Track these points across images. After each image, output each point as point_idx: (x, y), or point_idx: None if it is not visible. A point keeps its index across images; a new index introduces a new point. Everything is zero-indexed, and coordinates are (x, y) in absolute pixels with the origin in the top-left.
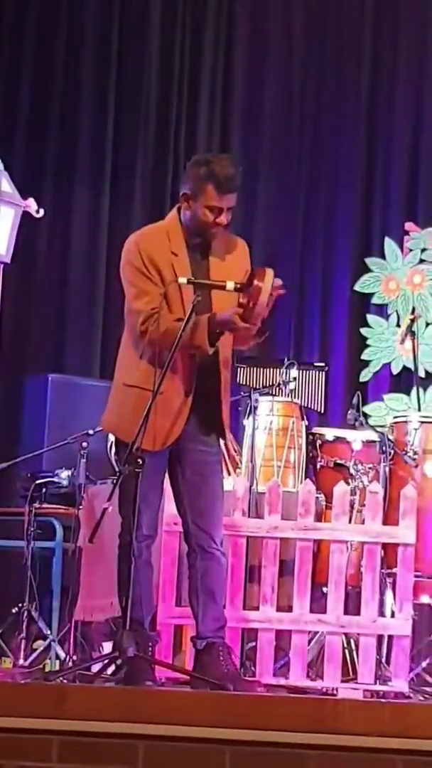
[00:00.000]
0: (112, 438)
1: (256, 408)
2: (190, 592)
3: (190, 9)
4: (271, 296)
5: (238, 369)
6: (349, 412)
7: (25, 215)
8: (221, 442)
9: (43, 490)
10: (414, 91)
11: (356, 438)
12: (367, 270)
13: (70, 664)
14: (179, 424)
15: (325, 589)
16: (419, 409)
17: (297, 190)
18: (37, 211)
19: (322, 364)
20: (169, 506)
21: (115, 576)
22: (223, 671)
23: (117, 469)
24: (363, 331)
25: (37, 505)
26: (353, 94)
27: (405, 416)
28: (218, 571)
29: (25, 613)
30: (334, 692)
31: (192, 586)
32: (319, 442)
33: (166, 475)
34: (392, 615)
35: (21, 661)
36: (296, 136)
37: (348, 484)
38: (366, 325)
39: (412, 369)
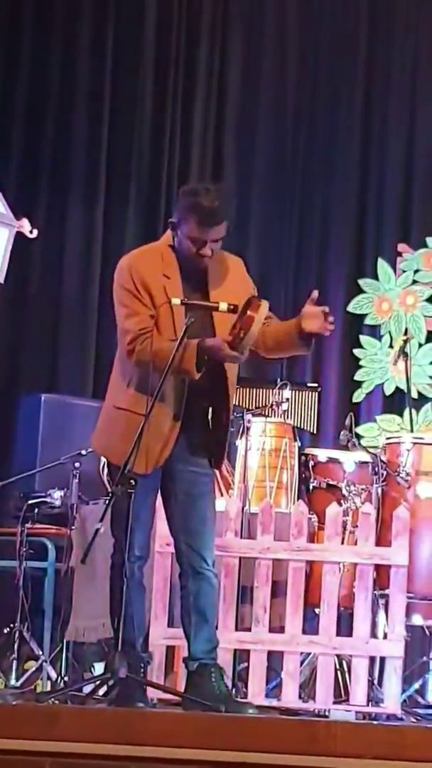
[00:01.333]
0: (104, 458)
1: (248, 429)
2: (182, 613)
3: (184, 29)
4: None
5: None
6: (342, 433)
7: (19, 235)
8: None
9: (36, 510)
10: (407, 114)
11: (349, 459)
12: (360, 291)
13: (62, 685)
14: (168, 447)
15: (317, 610)
16: (412, 430)
17: (290, 210)
18: (31, 231)
19: (315, 385)
20: (161, 527)
21: (108, 597)
22: (215, 693)
23: (109, 489)
24: (356, 351)
25: (29, 525)
26: (347, 116)
27: (398, 437)
28: (210, 592)
29: (17, 634)
30: (326, 714)
31: (184, 607)
32: (311, 462)
33: (159, 496)
34: (384, 636)
35: (12, 682)
36: (290, 157)
37: (340, 505)
38: (359, 346)
39: (405, 390)
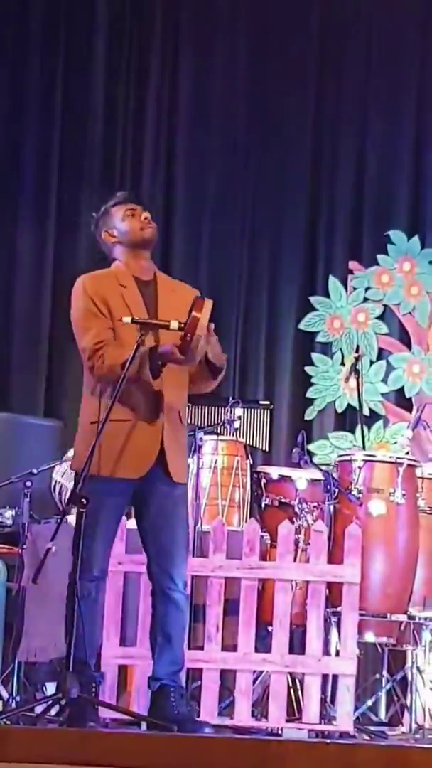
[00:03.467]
0: (56, 477)
1: (200, 447)
2: (151, 631)
3: (135, 52)
4: (209, 332)
5: None
6: (294, 450)
7: None
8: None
9: None
10: (357, 131)
11: (301, 476)
12: (312, 309)
13: (13, 705)
14: (153, 450)
15: (270, 628)
16: (364, 448)
17: (242, 228)
18: None
19: (267, 403)
20: (115, 546)
21: (60, 616)
22: (173, 714)
23: (61, 508)
24: (308, 369)
25: None
26: (298, 135)
27: (349, 454)
28: (177, 615)
29: None
30: (279, 732)
31: (152, 626)
32: (263, 480)
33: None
34: (337, 654)
35: None
36: (241, 175)
37: (293, 522)
38: (311, 363)
39: (357, 407)
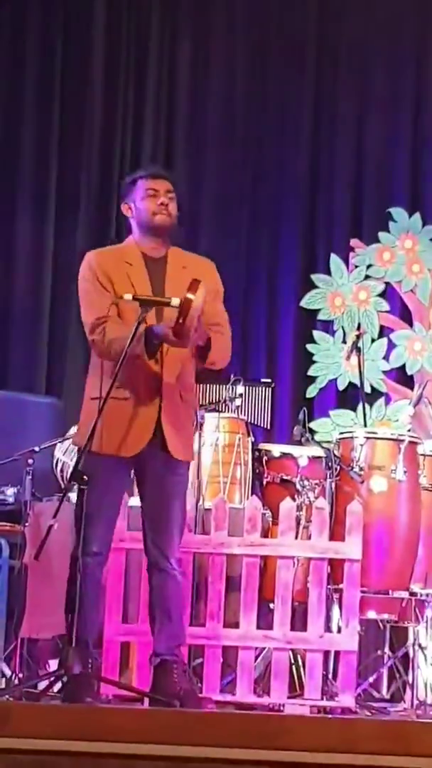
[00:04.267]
0: (58, 455)
1: (202, 424)
2: (149, 608)
3: (134, 38)
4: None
5: None
6: (296, 428)
7: None
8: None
9: None
10: (357, 108)
11: (302, 454)
12: (313, 286)
13: (16, 681)
14: (149, 428)
15: (271, 605)
16: (365, 425)
17: (242, 206)
18: None
19: (269, 381)
20: (117, 523)
21: (63, 593)
22: (175, 689)
23: (63, 485)
24: (309, 347)
25: None
26: (297, 113)
27: (351, 432)
28: (173, 589)
29: None
30: (281, 708)
31: (150, 603)
32: (265, 458)
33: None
34: (339, 631)
35: None
36: (241, 153)
37: (294, 500)
38: (312, 341)
39: (358, 385)
